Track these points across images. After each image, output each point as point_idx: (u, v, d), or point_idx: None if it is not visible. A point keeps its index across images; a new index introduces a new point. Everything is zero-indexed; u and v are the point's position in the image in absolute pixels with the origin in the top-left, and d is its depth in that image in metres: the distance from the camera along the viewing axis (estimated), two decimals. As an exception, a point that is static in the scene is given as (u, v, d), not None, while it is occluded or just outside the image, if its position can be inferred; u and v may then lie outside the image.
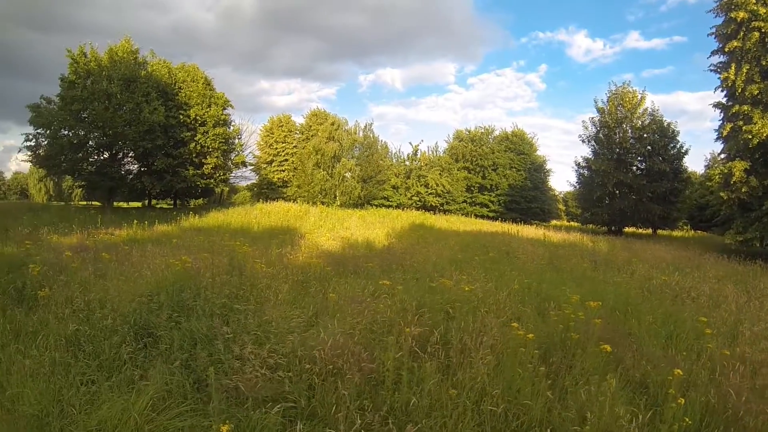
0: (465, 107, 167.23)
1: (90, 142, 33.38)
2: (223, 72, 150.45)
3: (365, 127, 50.88)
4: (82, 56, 32.47)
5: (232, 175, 44.75)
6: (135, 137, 32.28)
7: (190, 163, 36.79)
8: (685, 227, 50.17)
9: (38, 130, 31.69)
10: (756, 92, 25.82)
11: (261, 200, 41.17)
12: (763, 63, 25.82)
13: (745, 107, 26.32)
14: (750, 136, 25.48)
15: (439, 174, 50.80)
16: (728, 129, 27.92)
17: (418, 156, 53.20)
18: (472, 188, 52.68)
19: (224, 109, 39.35)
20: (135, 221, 19.83)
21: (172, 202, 44.26)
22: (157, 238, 16.90)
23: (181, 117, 36.48)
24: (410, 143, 53.15)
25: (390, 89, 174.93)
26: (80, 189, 47.10)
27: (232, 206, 39.27)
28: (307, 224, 26.46)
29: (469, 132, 55.83)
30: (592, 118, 43.66)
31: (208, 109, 37.63)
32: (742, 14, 26.15)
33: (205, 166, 37.41)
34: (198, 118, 37.21)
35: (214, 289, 7.45)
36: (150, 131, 33.13)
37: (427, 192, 50.01)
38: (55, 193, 60.86)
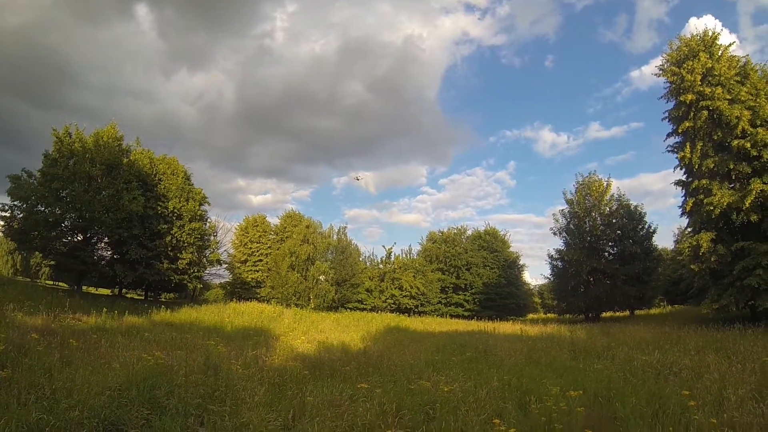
0: (437, 208, 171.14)
1: (65, 222, 32.65)
2: (201, 167, 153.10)
3: (339, 230, 51.73)
4: (67, 136, 32.67)
5: (206, 271, 44.10)
6: (112, 224, 31.80)
7: (164, 256, 36.03)
8: (661, 304, 50.49)
9: (15, 202, 31.00)
10: (712, 165, 27.34)
11: (234, 299, 40.48)
12: (715, 138, 27.57)
13: (704, 181, 27.78)
14: (712, 207, 26.69)
15: (413, 276, 50.91)
16: (691, 204, 29.21)
17: (392, 259, 53.53)
18: (447, 289, 52.69)
19: (201, 204, 39.32)
20: (104, 309, 19.25)
21: (143, 293, 43.04)
22: (127, 329, 16.42)
23: (159, 208, 36.20)
24: (384, 246, 53.93)
25: (363, 192, 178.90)
26: (48, 268, 45.56)
27: (204, 303, 38.44)
28: (282, 326, 26.00)
29: (442, 233, 56.91)
30: (562, 210, 45.22)
31: (186, 203, 37.54)
32: (690, 96, 28.25)
33: (179, 260, 36.71)
34: (175, 211, 37.01)
35: (189, 388, 7.22)
36: (128, 219, 32.80)
37: (401, 294, 49.80)
38: (23, 268, 58.70)
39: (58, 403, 6.14)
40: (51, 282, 47.92)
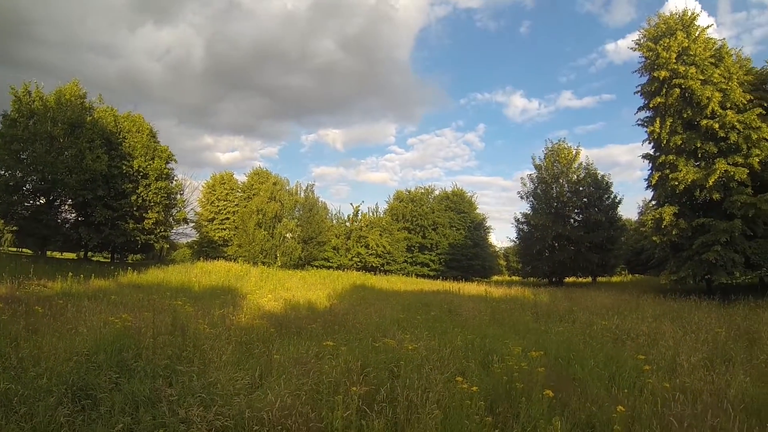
0: (405, 168, 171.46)
1: (27, 186, 31.80)
2: (167, 124, 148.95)
3: (306, 188, 51.40)
4: (27, 95, 31.45)
5: (173, 231, 43.48)
6: (75, 185, 30.87)
7: (130, 216, 35.21)
8: (623, 272, 52.37)
9: (-28, 167, 29.58)
10: (679, 142, 28.32)
11: (201, 258, 40.19)
12: (685, 116, 28.38)
13: (671, 157, 28.74)
14: (676, 183, 27.80)
15: (380, 235, 51.28)
16: (657, 177, 30.18)
17: (359, 217, 53.61)
18: (413, 248, 53.25)
19: (167, 162, 38.21)
20: (70, 274, 18.86)
21: (109, 255, 42.29)
22: (93, 293, 16.20)
23: (124, 168, 35.12)
24: (351, 204, 53.94)
25: (331, 150, 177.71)
26: (11, 234, 44.41)
27: (172, 263, 38.13)
28: (249, 284, 26.01)
29: (409, 192, 57.11)
30: (530, 174, 45.93)
31: (152, 162, 36.55)
32: (664, 73, 28.83)
33: (145, 220, 35.92)
34: (141, 170, 36.00)
35: (156, 349, 7.26)
36: (91, 180, 31.84)
37: (367, 253, 50.22)
38: (-17, 235, 57.16)
39: (26, 372, 6.10)
40: (14, 249, 46.73)
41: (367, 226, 52.27)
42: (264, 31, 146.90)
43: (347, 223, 53.61)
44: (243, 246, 43.19)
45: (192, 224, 48.55)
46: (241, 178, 55.04)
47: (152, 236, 37.02)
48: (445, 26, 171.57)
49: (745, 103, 26.98)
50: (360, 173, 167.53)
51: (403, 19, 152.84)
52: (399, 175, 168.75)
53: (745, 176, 25.58)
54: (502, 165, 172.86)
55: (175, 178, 40.85)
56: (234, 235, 47.45)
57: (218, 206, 51.28)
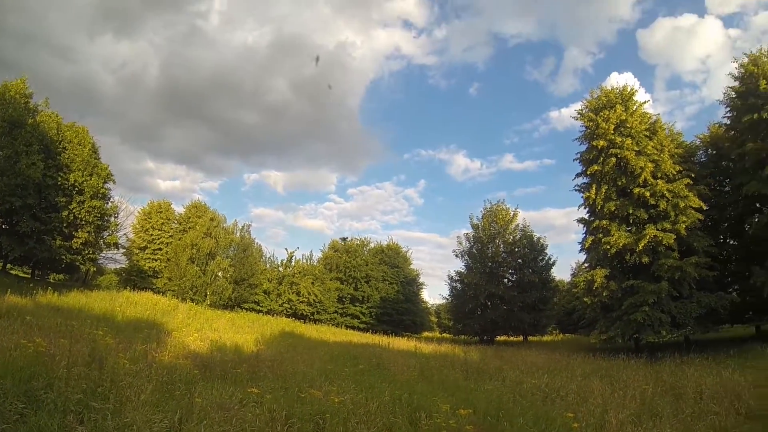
0: (343, 217, 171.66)
1: None
2: (111, 141, 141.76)
3: (243, 227, 50.65)
4: None
5: (102, 255, 41.15)
6: (4, 189, 28.63)
7: (58, 232, 32.66)
8: (554, 332, 53.42)
9: None
10: (613, 208, 30.04)
11: (129, 287, 37.95)
12: (619, 183, 30.27)
13: (604, 222, 30.39)
14: (608, 247, 29.34)
15: (312, 283, 50.82)
16: (590, 241, 31.75)
17: (293, 263, 53.17)
18: (344, 299, 52.81)
19: (105, 181, 35.92)
20: (-18, 285, 17.62)
21: (30, 270, 39.47)
22: (7, 310, 15.09)
23: (60, 180, 32.85)
24: (286, 249, 53.67)
25: (272, 192, 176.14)
26: None
27: (96, 288, 35.86)
28: (175, 321, 24.96)
29: (344, 243, 57.16)
30: (467, 233, 46.95)
31: (89, 178, 34.45)
32: (602, 143, 30.68)
33: (74, 239, 33.45)
34: (77, 185, 33.77)
35: (70, 381, 6.82)
36: (23, 186, 29.56)
37: (298, 300, 49.48)
38: None
39: None
40: None
41: (300, 273, 51.81)
42: (221, 61, 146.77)
43: (280, 268, 53.00)
44: (173, 280, 41.60)
45: (123, 250, 46.32)
46: (178, 209, 53.39)
47: (79, 257, 34.81)
48: (398, 80, 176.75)
49: (675, 173, 29.18)
50: (298, 219, 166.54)
51: (358, 67, 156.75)
52: (336, 224, 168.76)
53: (673, 241, 27.38)
54: (439, 222, 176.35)
55: (112, 199, 38.83)
56: (165, 267, 45.60)
57: (152, 235, 49.31)
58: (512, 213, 46.64)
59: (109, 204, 37.97)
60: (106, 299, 27.73)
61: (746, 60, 28.44)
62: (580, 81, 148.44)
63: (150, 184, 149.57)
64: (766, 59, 27.64)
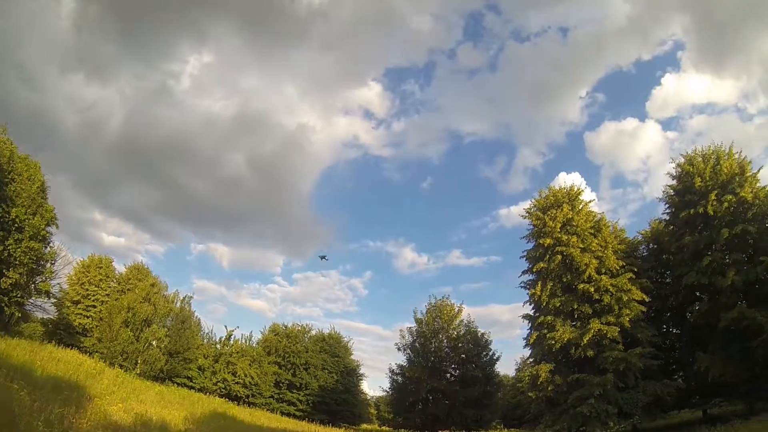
0: (286, 301, 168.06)
1: None
2: (62, 184, 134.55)
3: (185, 298, 48.69)
4: None
5: (31, 300, 37.83)
6: None
7: None
8: (498, 426, 51.84)
9: None
10: (558, 304, 30.38)
11: (54, 341, 35.04)
12: (564, 280, 30.75)
13: (549, 317, 30.60)
14: (553, 342, 29.31)
15: (249, 364, 48.99)
16: (535, 336, 31.50)
17: (231, 342, 51.28)
18: (281, 384, 50.84)
19: (48, 224, 33.52)
20: None
21: None
22: None
23: (0, 212, 30.49)
24: (225, 327, 51.17)
25: (217, 266, 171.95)
26: None
27: (18, 336, 32.71)
28: (100, 386, 22.83)
29: (285, 327, 55.85)
30: (410, 327, 46.61)
31: (32, 217, 31.74)
32: (549, 240, 31.42)
33: (4, 278, 30.95)
34: (18, 221, 31.24)
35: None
36: None
37: (234, 380, 47.18)
38: None
39: None
40: None
41: (238, 352, 49.97)
42: (184, 125, 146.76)
43: (218, 345, 50.89)
44: (103, 342, 38.79)
45: (54, 300, 43.11)
46: (120, 267, 50.78)
47: (5, 298, 31.75)
48: (353, 169, 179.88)
49: (618, 268, 30.11)
50: (240, 297, 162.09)
51: (315, 152, 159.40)
52: (279, 307, 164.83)
53: (617, 334, 27.77)
54: (382, 314, 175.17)
55: (51, 243, 36.28)
56: (96, 326, 42.49)
57: (88, 290, 46.21)
58: (457, 309, 46.73)
59: (48, 248, 35.36)
60: (27, 350, 25.27)
61: (683, 160, 30.95)
62: (529, 180, 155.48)
63: (94, 236, 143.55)
64: (700, 159, 30.11)
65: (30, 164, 34.01)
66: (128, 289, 44.91)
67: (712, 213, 27.97)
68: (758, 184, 28.41)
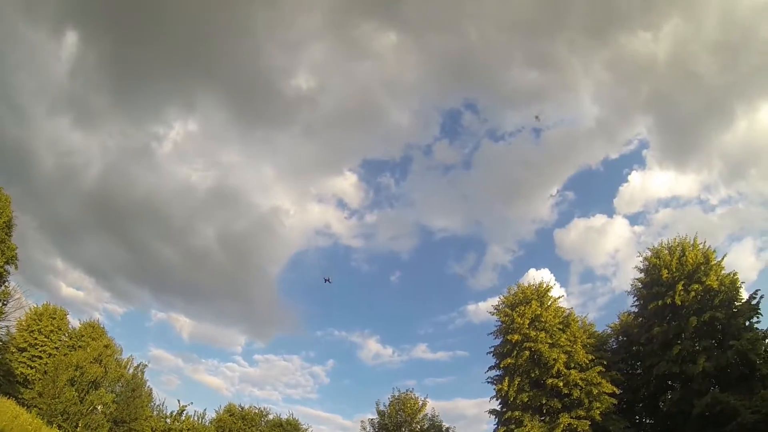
0: (244, 381, 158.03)
1: None
2: (27, 222, 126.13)
3: (138, 365, 45.92)
4: None
5: None
6: None
7: None
8: None
9: None
10: (526, 399, 29.96)
11: None
12: (532, 375, 30.58)
13: (517, 413, 30.00)
14: None
15: (200, 444, 45.23)
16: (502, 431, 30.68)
17: (183, 417, 47.63)
18: (233, 469, 46.68)
19: (8, 263, 31.98)
20: None
21: None
22: None
23: None
24: (178, 401, 47.96)
25: (176, 336, 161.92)
26: None
27: None
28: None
29: (242, 409, 52.29)
30: (371, 419, 44.11)
31: None
32: (516, 337, 31.43)
33: None
34: None
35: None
36: None
37: (181, 460, 43.49)
38: None
39: None
40: None
41: (189, 430, 46.32)
42: (160, 189, 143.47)
43: (168, 420, 46.90)
44: (44, 397, 35.65)
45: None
46: (74, 322, 47.80)
47: None
48: (322, 256, 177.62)
49: (587, 362, 30.12)
50: (197, 372, 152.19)
51: (286, 236, 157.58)
52: (236, 386, 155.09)
53: (588, 427, 27.45)
54: (343, 404, 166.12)
55: (7, 283, 34.44)
56: (39, 380, 39.29)
57: (36, 339, 42.83)
58: (421, 402, 44.84)
59: (2, 287, 33.64)
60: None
61: (650, 254, 32.45)
62: (499, 276, 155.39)
63: (52, 284, 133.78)
64: (666, 252, 31.57)
65: (1, 196, 32.81)
66: (80, 346, 42.27)
67: (679, 303, 29.14)
68: (723, 272, 29.96)
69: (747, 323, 28.70)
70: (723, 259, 30.86)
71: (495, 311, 34.52)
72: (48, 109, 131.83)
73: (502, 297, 34.92)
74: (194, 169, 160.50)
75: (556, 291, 37.37)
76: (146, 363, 47.16)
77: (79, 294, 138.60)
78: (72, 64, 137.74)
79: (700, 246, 31.13)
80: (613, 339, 35.19)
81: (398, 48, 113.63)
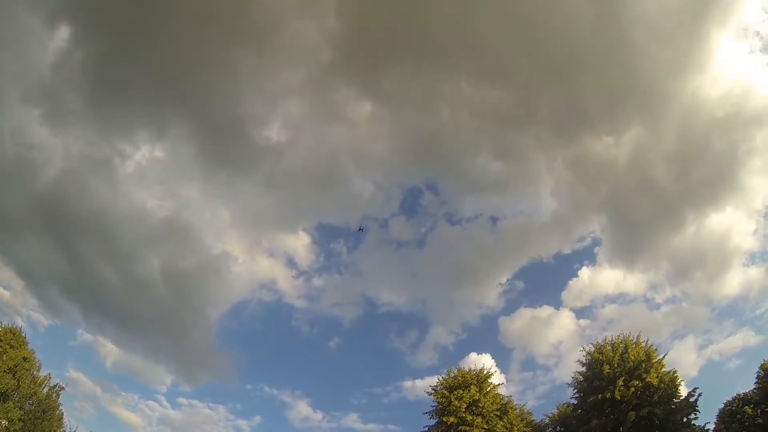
0: (163, 423, 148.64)
1: None
2: None
3: (55, 386, 42.46)
4: None
5: None
6: None
7: None
8: None
9: None
10: None
11: None
12: None
13: None
14: None
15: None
16: None
17: (92, 452, 44.60)
18: None
19: None
20: None
21: None
22: None
23: None
24: (91, 432, 44.95)
25: (99, 363, 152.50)
26: None
27: None
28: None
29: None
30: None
31: None
32: (452, 419, 31.65)
33: None
34: None
35: None
36: None
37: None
38: None
39: None
40: None
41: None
42: (112, 209, 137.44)
43: None
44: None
45: None
46: None
47: None
48: (264, 311, 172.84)
49: None
50: (114, 404, 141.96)
51: (231, 283, 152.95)
52: (154, 428, 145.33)
53: None
54: None
55: None
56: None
57: None
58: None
59: None
60: None
61: (593, 349, 33.25)
62: (439, 356, 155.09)
63: None
64: (609, 348, 32.42)
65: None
66: (-5, 353, 39.20)
67: (619, 397, 29.90)
68: (663, 369, 31.13)
69: (685, 419, 29.76)
70: (664, 357, 32.50)
71: (433, 392, 34.68)
72: (22, 96, 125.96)
73: (441, 378, 35.39)
74: (152, 195, 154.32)
75: (497, 378, 37.83)
76: (63, 386, 43.94)
77: (4, 293, 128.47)
78: (57, 57, 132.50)
79: (643, 344, 32.43)
80: (550, 429, 35.79)
81: (372, 119, 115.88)
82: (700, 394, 30.69)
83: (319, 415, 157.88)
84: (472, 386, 32.60)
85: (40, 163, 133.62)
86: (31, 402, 38.63)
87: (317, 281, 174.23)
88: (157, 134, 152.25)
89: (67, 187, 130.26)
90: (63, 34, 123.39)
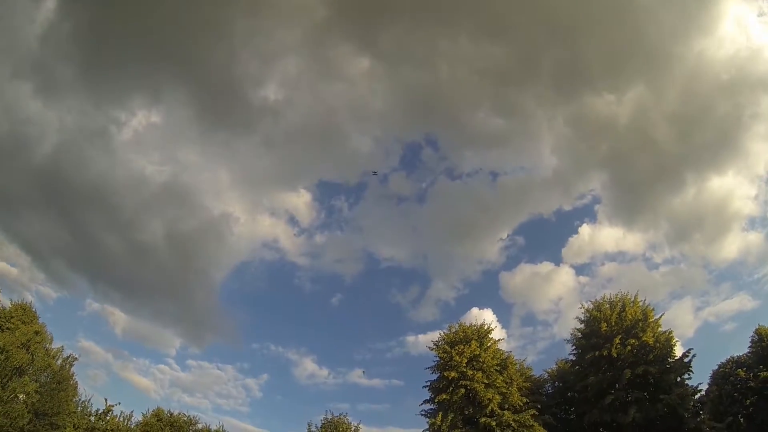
0: (174, 386, 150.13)
1: None
2: None
3: (68, 357, 43.29)
4: None
5: None
6: None
7: None
8: None
9: None
10: None
11: None
12: (466, 412, 31.40)
13: None
14: None
15: (123, 446, 42.86)
16: None
17: (108, 417, 45.22)
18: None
19: None
20: None
21: None
22: None
23: None
24: (105, 399, 45.57)
25: (109, 331, 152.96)
26: None
27: None
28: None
29: (170, 414, 50.17)
30: (303, 439, 43.36)
31: None
32: (453, 374, 32.13)
33: None
34: None
35: None
36: None
37: (100, 463, 41.05)
38: None
39: None
40: None
41: (113, 431, 44.07)
42: (112, 176, 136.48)
43: (92, 418, 44.29)
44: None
45: None
46: (5, 301, 44.99)
47: None
48: (267, 270, 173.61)
49: (522, 404, 31.25)
50: (126, 370, 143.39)
51: (233, 244, 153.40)
52: (166, 390, 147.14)
53: None
54: (275, 420, 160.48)
55: None
56: (-42, 360, 36.79)
57: None
58: (354, 428, 44.90)
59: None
60: None
61: (591, 306, 33.94)
62: (441, 311, 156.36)
63: None
64: (607, 306, 33.16)
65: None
66: (8, 328, 39.89)
67: (615, 355, 30.67)
68: (660, 329, 31.90)
69: (678, 379, 30.64)
70: (661, 317, 32.88)
71: (434, 347, 35.11)
72: (13, 71, 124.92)
73: (442, 333, 35.81)
74: (150, 161, 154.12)
75: (497, 333, 38.33)
76: (76, 356, 44.82)
77: (12, 270, 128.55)
78: (45, 29, 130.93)
79: (640, 303, 33.02)
80: (549, 384, 36.36)
81: (370, 75, 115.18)
82: (694, 355, 31.43)
83: (324, 372, 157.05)
84: (473, 341, 33.14)
85: (36, 138, 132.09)
86: (46, 374, 39.39)
87: (319, 238, 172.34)
88: (153, 99, 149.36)
89: (64, 159, 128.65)
90: (49, 4, 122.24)
